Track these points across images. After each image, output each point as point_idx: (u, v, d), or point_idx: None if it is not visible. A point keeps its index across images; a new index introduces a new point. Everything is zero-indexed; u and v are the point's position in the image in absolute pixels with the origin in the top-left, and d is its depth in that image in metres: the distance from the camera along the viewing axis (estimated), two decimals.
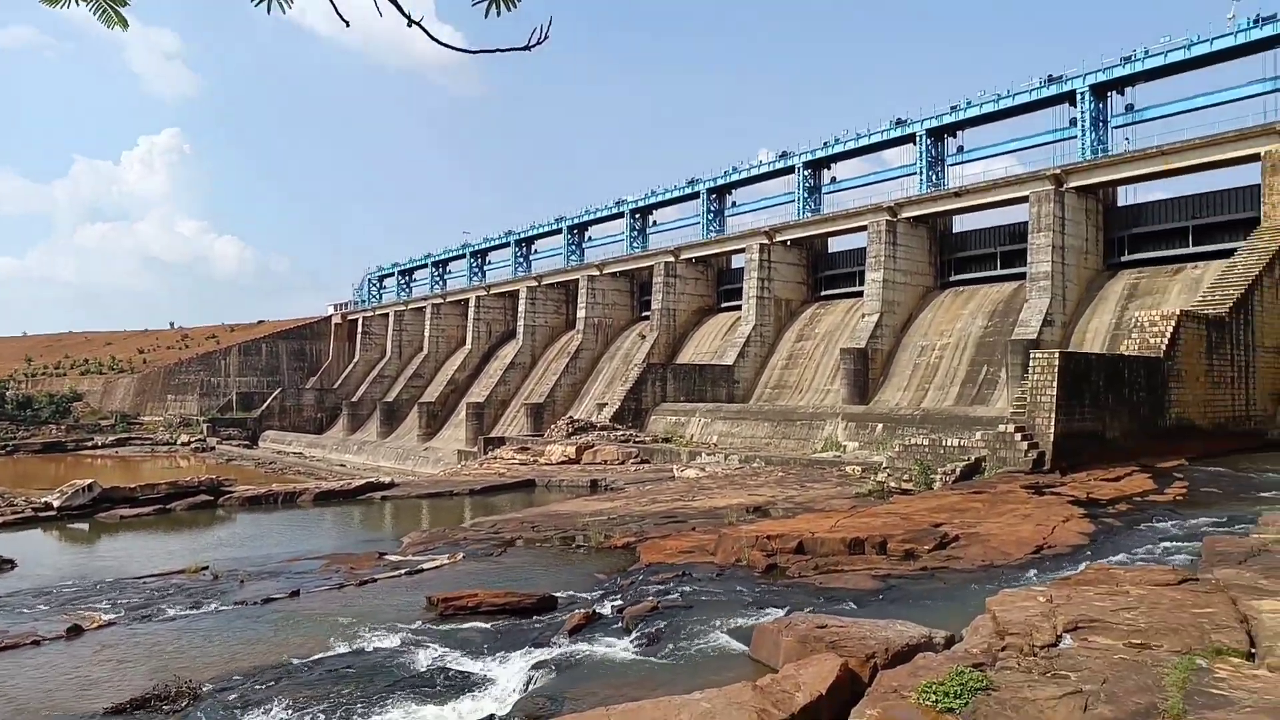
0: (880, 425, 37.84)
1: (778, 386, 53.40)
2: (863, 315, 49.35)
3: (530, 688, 8.62)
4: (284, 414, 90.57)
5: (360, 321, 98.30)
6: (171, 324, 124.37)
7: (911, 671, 7.21)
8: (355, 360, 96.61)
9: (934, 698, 6.49)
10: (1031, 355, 24.20)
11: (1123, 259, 43.93)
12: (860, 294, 50.54)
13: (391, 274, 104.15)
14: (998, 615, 8.79)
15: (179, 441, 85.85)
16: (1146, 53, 42.12)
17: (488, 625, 11.01)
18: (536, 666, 9.12)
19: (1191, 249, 41.18)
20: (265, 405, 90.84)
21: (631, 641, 9.76)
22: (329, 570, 14.74)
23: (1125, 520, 16.76)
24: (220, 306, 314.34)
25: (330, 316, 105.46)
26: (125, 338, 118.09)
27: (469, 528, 19.83)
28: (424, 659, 9.62)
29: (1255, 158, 35.93)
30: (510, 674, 9.04)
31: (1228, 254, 36.21)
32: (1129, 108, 44.46)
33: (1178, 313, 28.06)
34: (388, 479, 30.00)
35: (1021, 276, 43.63)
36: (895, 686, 6.92)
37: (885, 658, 7.96)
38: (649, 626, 10.03)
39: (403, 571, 14.31)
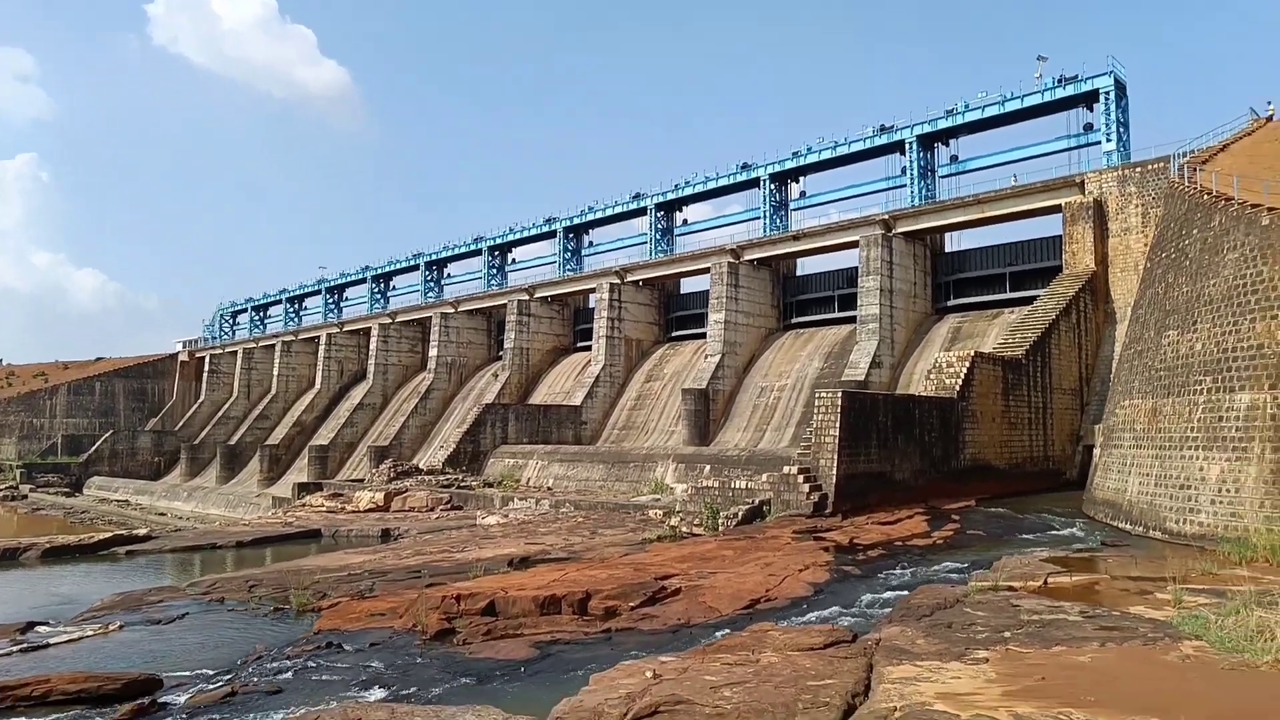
0: (708, 467, 37.01)
1: (625, 427, 52.33)
2: (705, 356, 49.03)
3: None
4: (115, 458, 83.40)
5: (208, 359, 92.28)
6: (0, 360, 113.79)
7: None
8: (201, 401, 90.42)
9: None
10: (816, 395, 23.73)
11: (949, 303, 45.19)
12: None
13: (245, 309, 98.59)
14: (580, 700, 7.55)
15: None
16: (966, 106, 43.82)
17: None
18: None
19: (1009, 294, 42.61)
20: (94, 449, 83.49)
21: None
22: None
23: (868, 568, 16.09)
24: (75, 344, 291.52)
25: (177, 354, 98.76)
26: None
27: (184, 588, 17.54)
28: None
29: (1058, 209, 37.52)
30: None
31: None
32: (954, 158, 46.05)
33: (972, 354, 28.40)
34: (143, 531, 26.96)
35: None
36: None
37: None
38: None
39: (15, 650, 12.05)
